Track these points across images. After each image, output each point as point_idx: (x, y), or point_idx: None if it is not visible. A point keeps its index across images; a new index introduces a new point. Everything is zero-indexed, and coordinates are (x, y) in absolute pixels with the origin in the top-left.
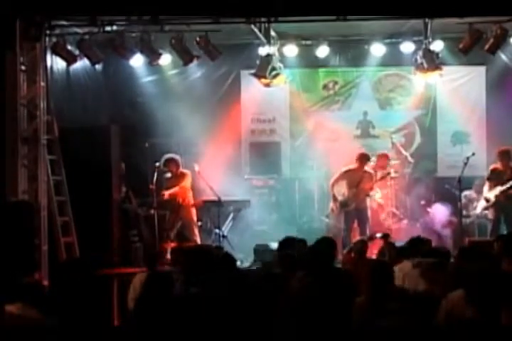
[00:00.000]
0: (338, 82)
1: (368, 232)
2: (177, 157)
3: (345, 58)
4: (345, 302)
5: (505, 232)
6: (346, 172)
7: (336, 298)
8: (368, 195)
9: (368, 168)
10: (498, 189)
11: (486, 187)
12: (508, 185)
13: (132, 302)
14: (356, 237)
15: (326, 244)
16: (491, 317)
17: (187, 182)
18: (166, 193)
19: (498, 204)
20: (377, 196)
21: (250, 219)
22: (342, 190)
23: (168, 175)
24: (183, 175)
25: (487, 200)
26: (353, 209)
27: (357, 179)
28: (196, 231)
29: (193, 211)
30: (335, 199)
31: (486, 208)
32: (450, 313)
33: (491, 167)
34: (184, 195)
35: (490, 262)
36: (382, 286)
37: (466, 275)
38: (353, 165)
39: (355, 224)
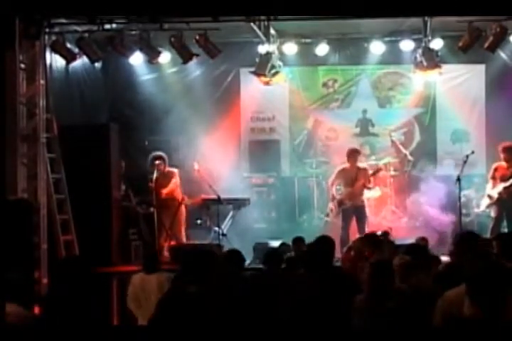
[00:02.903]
0: (338, 80)
1: (366, 230)
2: (164, 155)
3: (344, 56)
4: (345, 301)
5: (506, 230)
6: (341, 171)
7: (335, 297)
8: (367, 188)
9: (362, 163)
10: (502, 186)
11: (489, 185)
12: (511, 182)
13: (132, 302)
14: (355, 235)
15: (325, 243)
16: (492, 315)
17: (178, 180)
18: (164, 191)
19: (500, 202)
20: (375, 194)
21: (250, 217)
22: (341, 189)
23: (155, 174)
24: (172, 173)
25: (490, 198)
26: (350, 207)
27: (352, 177)
28: (183, 229)
29: (183, 208)
30: (333, 198)
31: (489, 206)
32: (447, 312)
33: (495, 165)
34: (179, 193)
35: (491, 259)
36: (383, 285)
37: (467, 272)
38: (346, 164)
39: (354, 222)
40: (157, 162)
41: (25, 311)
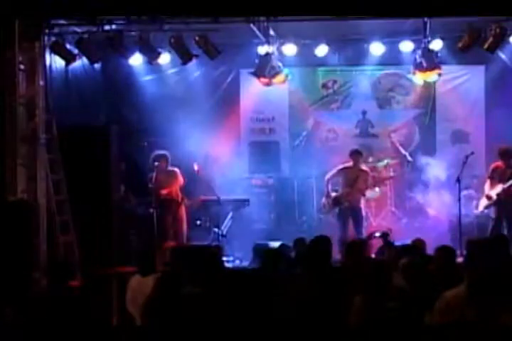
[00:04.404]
0: (337, 81)
1: (363, 232)
2: (167, 153)
3: (344, 57)
4: (344, 301)
5: (505, 231)
6: (342, 169)
7: (334, 297)
8: (363, 195)
9: (365, 165)
10: (500, 187)
11: (487, 185)
12: (510, 183)
13: (130, 304)
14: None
15: (322, 243)
16: (492, 316)
17: (180, 180)
18: (164, 192)
19: (499, 202)
20: (375, 195)
21: (249, 218)
22: (337, 187)
23: (155, 173)
24: (174, 173)
25: (489, 198)
26: (347, 208)
27: (353, 177)
28: (185, 229)
29: (184, 208)
30: (328, 195)
31: (487, 206)
32: (446, 312)
33: (493, 165)
34: (178, 193)
35: (493, 261)
36: (382, 285)
37: (469, 273)
38: (349, 163)
39: (351, 223)
40: (158, 161)
41: (16, 314)
